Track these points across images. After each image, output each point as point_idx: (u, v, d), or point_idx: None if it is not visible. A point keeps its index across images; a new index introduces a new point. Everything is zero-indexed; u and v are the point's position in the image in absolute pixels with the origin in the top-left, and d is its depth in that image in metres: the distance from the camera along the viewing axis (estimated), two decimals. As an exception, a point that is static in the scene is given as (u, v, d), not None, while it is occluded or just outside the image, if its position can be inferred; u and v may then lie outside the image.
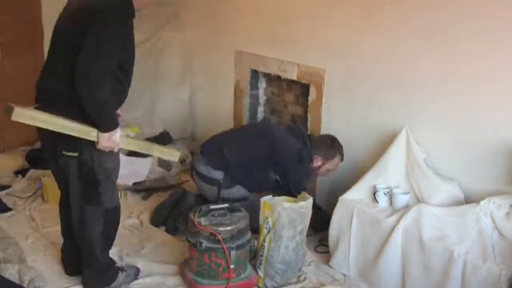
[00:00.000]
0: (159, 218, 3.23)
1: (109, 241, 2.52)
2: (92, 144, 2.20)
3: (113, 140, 2.21)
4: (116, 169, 2.40)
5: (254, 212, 2.67)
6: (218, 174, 3.01)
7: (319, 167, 3.10)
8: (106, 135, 2.17)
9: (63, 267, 2.68)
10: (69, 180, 2.34)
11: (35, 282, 2.46)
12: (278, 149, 3.00)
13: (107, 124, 2.18)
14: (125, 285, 2.58)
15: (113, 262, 2.60)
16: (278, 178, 3.02)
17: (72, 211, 2.41)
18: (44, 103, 2.23)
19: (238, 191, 3.05)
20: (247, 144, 3.07)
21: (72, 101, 2.13)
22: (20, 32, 4.14)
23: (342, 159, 3.10)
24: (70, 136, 2.16)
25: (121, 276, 2.56)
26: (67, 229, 2.52)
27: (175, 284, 2.63)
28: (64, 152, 2.26)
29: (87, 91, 2.09)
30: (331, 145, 3.09)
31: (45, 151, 2.50)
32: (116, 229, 2.54)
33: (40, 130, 2.25)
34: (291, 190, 2.89)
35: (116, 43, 2.13)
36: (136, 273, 2.66)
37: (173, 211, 3.21)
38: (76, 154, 2.25)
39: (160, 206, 3.29)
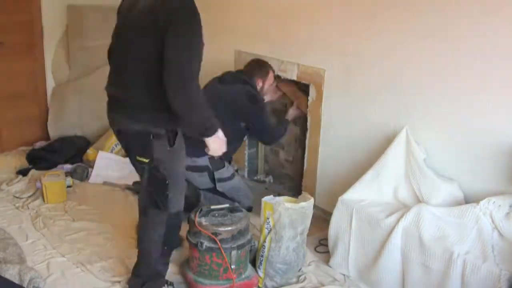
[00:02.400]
0: None
1: (168, 247, 2.44)
2: (163, 150, 2.18)
3: (221, 138, 2.22)
4: (184, 173, 2.37)
5: (240, 190, 2.92)
6: (203, 160, 3.03)
7: (262, 88, 3.26)
8: (211, 138, 2.18)
9: None
10: (142, 182, 2.34)
11: (35, 282, 2.46)
12: (234, 106, 3.07)
13: (211, 129, 2.17)
14: None
15: (161, 274, 2.49)
16: (244, 125, 3.14)
17: (138, 212, 2.41)
18: (124, 114, 2.21)
19: (226, 169, 3.11)
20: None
21: (158, 112, 2.12)
22: (20, 32, 4.13)
23: (273, 70, 3.34)
24: (141, 142, 2.17)
25: None
26: None
27: (176, 285, 2.62)
28: (138, 158, 2.25)
29: (189, 109, 2.05)
30: (259, 64, 3.30)
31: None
32: (177, 235, 2.52)
33: (116, 135, 2.33)
34: (265, 138, 3.13)
35: (200, 43, 2.04)
36: None
37: None
38: (147, 161, 2.22)
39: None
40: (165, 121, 2.16)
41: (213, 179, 3.09)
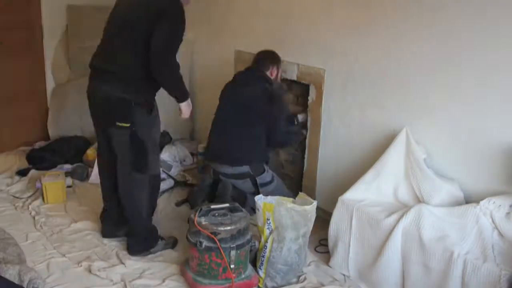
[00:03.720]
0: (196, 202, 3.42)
1: (153, 206, 2.90)
2: (142, 116, 2.65)
3: (190, 105, 2.80)
4: (157, 140, 2.81)
5: (281, 192, 3.02)
6: (243, 169, 3.09)
7: (276, 76, 3.23)
8: (184, 103, 2.76)
9: (101, 231, 3.06)
10: (119, 149, 2.70)
11: (35, 282, 2.45)
12: (255, 110, 3.06)
13: (184, 96, 2.76)
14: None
15: (155, 228, 2.91)
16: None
17: (120, 180, 2.77)
18: (110, 83, 2.63)
19: (267, 173, 3.13)
20: (242, 130, 3.09)
21: (139, 82, 2.63)
22: (20, 32, 4.13)
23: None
24: (123, 108, 2.60)
25: (160, 243, 2.90)
26: (111, 194, 2.91)
27: (176, 285, 2.63)
28: (118, 123, 2.62)
29: (170, 78, 2.64)
30: (273, 55, 3.24)
31: (95, 123, 2.85)
32: (157, 195, 2.94)
33: (92, 102, 2.75)
34: (277, 136, 3.10)
35: (179, 35, 2.62)
36: (174, 243, 2.97)
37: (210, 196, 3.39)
38: (128, 125, 2.62)
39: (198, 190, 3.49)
40: (144, 91, 2.67)
41: (255, 184, 3.12)
